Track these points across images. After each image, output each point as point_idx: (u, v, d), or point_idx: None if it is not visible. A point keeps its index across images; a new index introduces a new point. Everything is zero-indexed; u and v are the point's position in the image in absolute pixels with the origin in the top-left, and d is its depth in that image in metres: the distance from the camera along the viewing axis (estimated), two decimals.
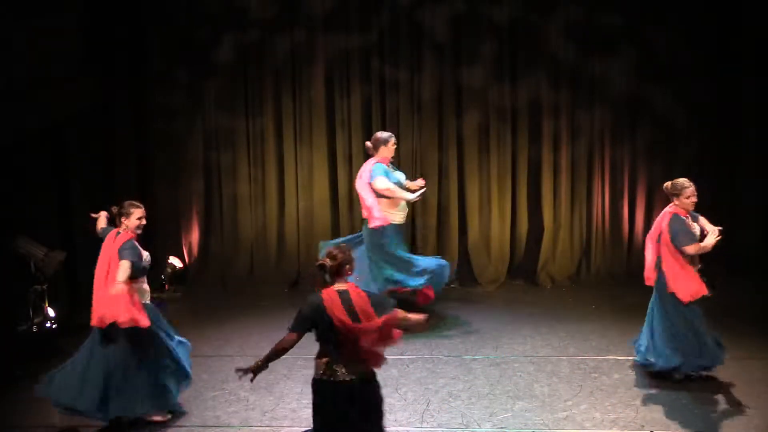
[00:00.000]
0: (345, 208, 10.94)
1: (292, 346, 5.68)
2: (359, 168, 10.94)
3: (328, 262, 5.71)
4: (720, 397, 7.57)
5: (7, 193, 8.77)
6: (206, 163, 11.03)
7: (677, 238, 7.55)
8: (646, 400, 7.51)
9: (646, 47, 10.61)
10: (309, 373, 8.12)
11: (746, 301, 10.01)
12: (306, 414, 7.35)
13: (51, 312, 8.88)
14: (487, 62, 10.71)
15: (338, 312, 5.58)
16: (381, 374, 8.12)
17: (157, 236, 10.90)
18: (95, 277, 6.95)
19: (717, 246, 7.64)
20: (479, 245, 10.97)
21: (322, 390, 5.72)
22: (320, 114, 10.85)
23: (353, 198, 10.90)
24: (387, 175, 9.01)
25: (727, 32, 10.49)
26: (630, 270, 10.87)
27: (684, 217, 7.65)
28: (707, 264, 9.06)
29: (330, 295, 5.66)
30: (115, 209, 7.12)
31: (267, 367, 5.68)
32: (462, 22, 10.67)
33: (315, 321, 5.64)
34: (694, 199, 7.63)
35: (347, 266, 5.76)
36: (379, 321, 5.66)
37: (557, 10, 10.62)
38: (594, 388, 7.76)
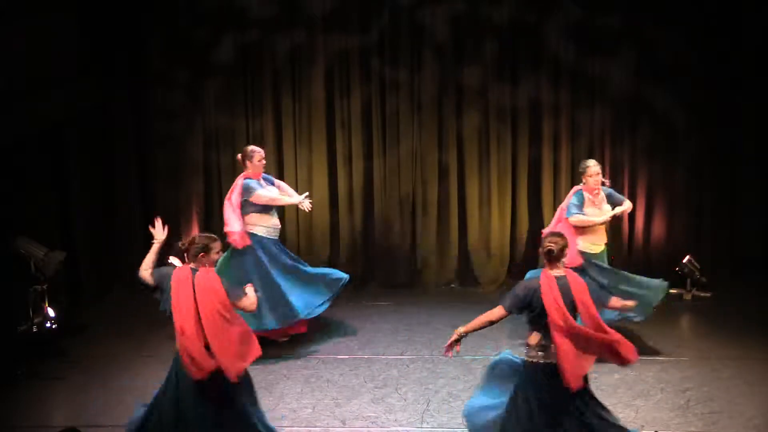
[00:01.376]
0: (345, 208, 10.93)
1: (498, 321, 5.93)
2: (359, 168, 10.99)
3: (553, 246, 5.85)
4: (720, 397, 7.58)
5: (7, 193, 8.77)
6: (206, 163, 11.02)
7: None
8: (646, 400, 7.51)
9: (646, 47, 10.60)
10: (309, 373, 8.21)
11: (746, 301, 10.02)
12: (306, 414, 7.38)
13: (51, 312, 8.87)
14: (487, 62, 10.70)
15: (555, 298, 5.72)
16: (381, 374, 8.19)
17: None
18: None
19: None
20: (479, 245, 10.97)
21: (531, 372, 5.91)
22: (320, 114, 10.84)
23: (353, 198, 10.91)
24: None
25: (727, 32, 10.48)
26: (630, 270, 10.81)
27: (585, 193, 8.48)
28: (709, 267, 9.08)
29: (548, 279, 5.79)
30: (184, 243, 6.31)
31: (466, 336, 5.94)
32: (462, 22, 10.66)
33: (529, 304, 5.82)
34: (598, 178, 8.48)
35: (565, 252, 5.90)
36: (614, 336, 5.79)
37: (557, 10, 10.61)
38: (594, 388, 7.73)
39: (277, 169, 10.94)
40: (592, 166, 8.48)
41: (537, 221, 10.95)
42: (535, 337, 5.93)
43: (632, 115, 10.77)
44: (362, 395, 7.75)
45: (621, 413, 7.24)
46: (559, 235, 6.00)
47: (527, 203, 10.96)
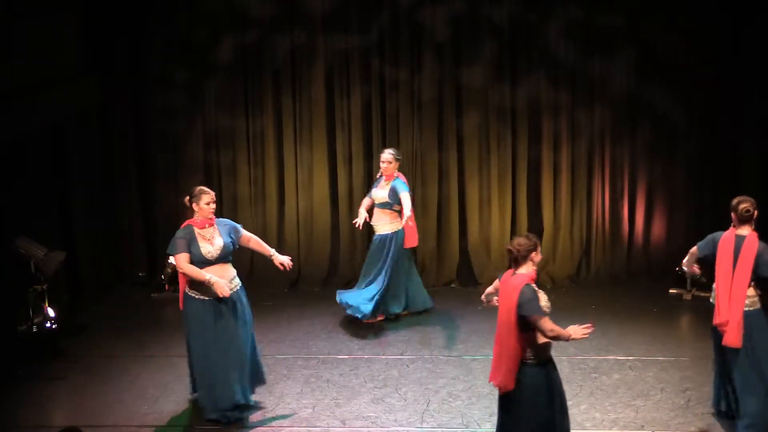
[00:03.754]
0: (345, 208, 10.94)
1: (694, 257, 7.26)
2: (359, 168, 10.99)
3: (749, 206, 6.61)
4: None
5: (7, 194, 8.77)
6: (206, 163, 11.02)
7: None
8: (646, 400, 7.51)
9: (646, 47, 10.60)
10: (309, 373, 8.21)
11: None
12: (306, 414, 7.38)
13: (51, 312, 8.87)
14: (487, 62, 10.70)
15: (723, 253, 6.70)
16: (381, 374, 8.19)
17: (157, 236, 10.89)
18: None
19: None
20: (479, 245, 10.96)
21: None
22: (320, 114, 10.85)
23: (353, 198, 10.90)
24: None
25: (727, 32, 10.47)
26: (630, 270, 10.87)
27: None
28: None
29: (729, 234, 6.68)
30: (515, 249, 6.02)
31: None
32: (462, 22, 10.66)
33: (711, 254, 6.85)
34: None
35: (755, 212, 6.63)
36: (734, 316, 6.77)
37: (557, 10, 10.60)
38: (594, 388, 7.76)
39: (278, 169, 10.96)
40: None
41: (537, 221, 10.96)
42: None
43: (632, 115, 10.77)
44: (362, 395, 7.75)
45: (621, 413, 7.25)
46: (750, 199, 6.65)
47: (527, 203, 10.96)
